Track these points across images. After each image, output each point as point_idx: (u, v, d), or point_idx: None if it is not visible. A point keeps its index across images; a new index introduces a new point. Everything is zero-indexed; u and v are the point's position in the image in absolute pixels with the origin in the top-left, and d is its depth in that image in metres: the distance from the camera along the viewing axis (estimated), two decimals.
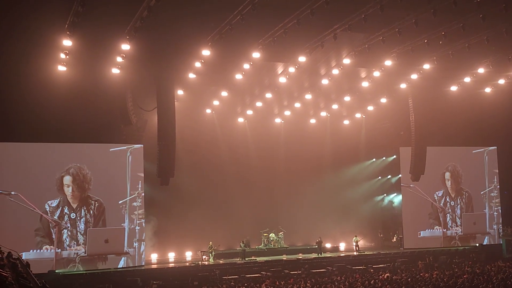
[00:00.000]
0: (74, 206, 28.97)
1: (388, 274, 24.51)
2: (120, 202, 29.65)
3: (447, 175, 37.13)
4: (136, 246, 29.98)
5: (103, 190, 29.67)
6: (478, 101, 32.46)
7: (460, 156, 37.47)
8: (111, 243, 29.30)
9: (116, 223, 29.72)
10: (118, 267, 28.78)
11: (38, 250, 27.72)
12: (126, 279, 26.31)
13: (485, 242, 36.45)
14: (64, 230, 28.71)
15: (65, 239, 28.64)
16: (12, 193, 27.40)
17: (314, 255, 32.28)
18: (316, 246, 33.07)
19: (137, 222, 30.02)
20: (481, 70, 28.01)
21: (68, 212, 28.87)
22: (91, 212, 29.26)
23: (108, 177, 29.90)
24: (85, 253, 28.71)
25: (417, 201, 35.53)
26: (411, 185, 34.78)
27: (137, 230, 29.95)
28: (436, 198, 36.66)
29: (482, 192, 37.56)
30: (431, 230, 36.18)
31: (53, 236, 28.40)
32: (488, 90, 31.94)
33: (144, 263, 29.84)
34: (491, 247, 35.11)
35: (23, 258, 20.80)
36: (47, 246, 28.14)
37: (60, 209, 28.69)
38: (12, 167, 27.65)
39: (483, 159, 37.77)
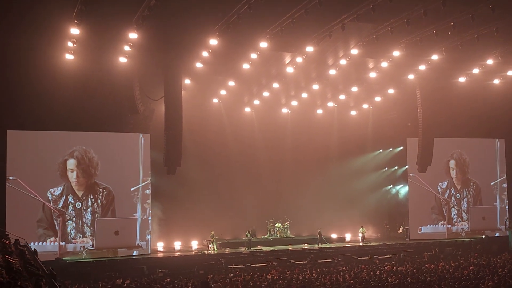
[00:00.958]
0: (80, 194, 27.46)
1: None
2: (132, 189, 28.36)
3: (452, 163, 35.66)
4: (149, 239, 28.61)
5: (112, 176, 28.09)
6: (486, 92, 32.26)
7: (467, 145, 36.06)
8: (122, 235, 27.74)
9: (127, 213, 28.28)
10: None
11: (41, 243, 26.18)
12: (133, 267, 26.40)
13: (496, 234, 35.47)
14: (69, 221, 27.12)
15: (70, 231, 27.12)
16: (11, 178, 25.98)
17: (319, 245, 32.32)
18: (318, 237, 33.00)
19: (150, 212, 28.62)
20: (489, 62, 27.82)
21: (73, 201, 27.25)
22: (99, 201, 27.77)
23: (117, 162, 28.33)
24: (92, 246, 27.27)
25: (424, 193, 34.98)
26: (411, 174, 34.48)
27: (149, 221, 28.63)
28: (439, 190, 35.33)
29: (492, 183, 35.98)
30: (434, 225, 34.92)
31: (57, 228, 26.78)
32: (496, 81, 31.76)
33: (150, 251, 29.63)
34: (498, 239, 34.56)
35: None
36: (51, 239, 26.66)
37: (64, 197, 27.08)
38: (17, 154, 26.57)
39: (494, 146, 36.32)
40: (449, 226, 35.28)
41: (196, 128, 31.90)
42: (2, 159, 26.38)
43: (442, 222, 35.21)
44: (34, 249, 21.61)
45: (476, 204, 36.02)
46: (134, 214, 28.49)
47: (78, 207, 27.50)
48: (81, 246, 27.30)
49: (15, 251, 16.60)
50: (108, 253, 27.79)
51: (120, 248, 27.91)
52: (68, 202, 27.36)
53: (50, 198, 27.05)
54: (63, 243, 26.98)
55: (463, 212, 35.76)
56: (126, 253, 28.12)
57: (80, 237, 27.44)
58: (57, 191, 27.15)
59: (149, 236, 29.08)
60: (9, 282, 9.68)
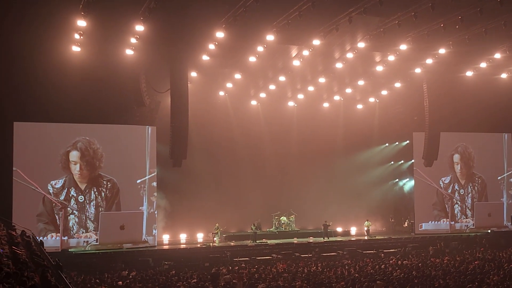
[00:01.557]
0: (82, 187, 26.66)
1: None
2: (138, 181, 27.65)
3: (456, 157, 34.83)
4: (156, 234, 27.85)
5: (117, 168, 27.36)
6: (494, 86, 32.08)
7: (474, 140, 35.38)
8: (127, 229, 26.90)
9: (133, 207, 27.49)
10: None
11: (42, 238, 24.87)
12: (138, 259, 26.46)
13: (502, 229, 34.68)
14: (71, 215, 26.24)
15: (72, 226, 26.28)
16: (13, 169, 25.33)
17: (325, 239, 32.31)
18: (322, 230, 32.85)
19: (157, 205, 28.02)
20: (497, 56, 27.69)
21: (75, 195, 26.34)
22: (103, 194, 27.07)
23: (122, 154, 27.64)
24: (96, 242, 26.54)
25: (430, 187, 34.63)
26: (413, 168, 34.20)
27: (156, 215, 27.90)
28: (442, 186, 34.48)
29: (499, 178, 35.04)
30: (436, 222, 34.10)
31: (58, 222, 25.89)
32: (504, 75, 31.60)
33: (156, 243, 29.60)
34: (505, 234, 33.99)
35: None
36: (52, 234, 25.89)
37: (65, 190, 26.18)
38: (23, 146, 26.15)
39: (501, 140, 35.63)
40: (452, 223, 34.50)
41: (202, 121, 31.87)
42: (9, 151, 26.42)
43: (444, 219, 34.50)
44: (41, 240, 21.72)
45: (481, 200, 35.25)
46: (140, 208, 27.93)
47: (81, 200, 26.76)
48: (84, 241, 26.64)
49: (22, 242, 16.68)
50: (112, 248, 27.21)
51: (126, 244, 27.19)
52: (70, 195, 26.58)
53: (51, 191, 26.34)
54: (65, 238, 26.25)
55: (467, 208, 34.91)
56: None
57: (83, 232, 26.76)
58: (58, 183, 26.37)
59: (156, 231, 28.77)
60: (15, 273, 9.72)
